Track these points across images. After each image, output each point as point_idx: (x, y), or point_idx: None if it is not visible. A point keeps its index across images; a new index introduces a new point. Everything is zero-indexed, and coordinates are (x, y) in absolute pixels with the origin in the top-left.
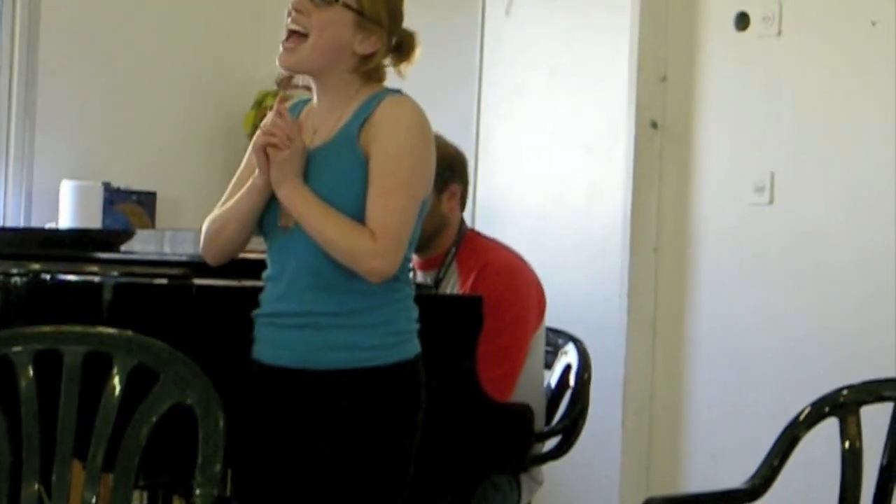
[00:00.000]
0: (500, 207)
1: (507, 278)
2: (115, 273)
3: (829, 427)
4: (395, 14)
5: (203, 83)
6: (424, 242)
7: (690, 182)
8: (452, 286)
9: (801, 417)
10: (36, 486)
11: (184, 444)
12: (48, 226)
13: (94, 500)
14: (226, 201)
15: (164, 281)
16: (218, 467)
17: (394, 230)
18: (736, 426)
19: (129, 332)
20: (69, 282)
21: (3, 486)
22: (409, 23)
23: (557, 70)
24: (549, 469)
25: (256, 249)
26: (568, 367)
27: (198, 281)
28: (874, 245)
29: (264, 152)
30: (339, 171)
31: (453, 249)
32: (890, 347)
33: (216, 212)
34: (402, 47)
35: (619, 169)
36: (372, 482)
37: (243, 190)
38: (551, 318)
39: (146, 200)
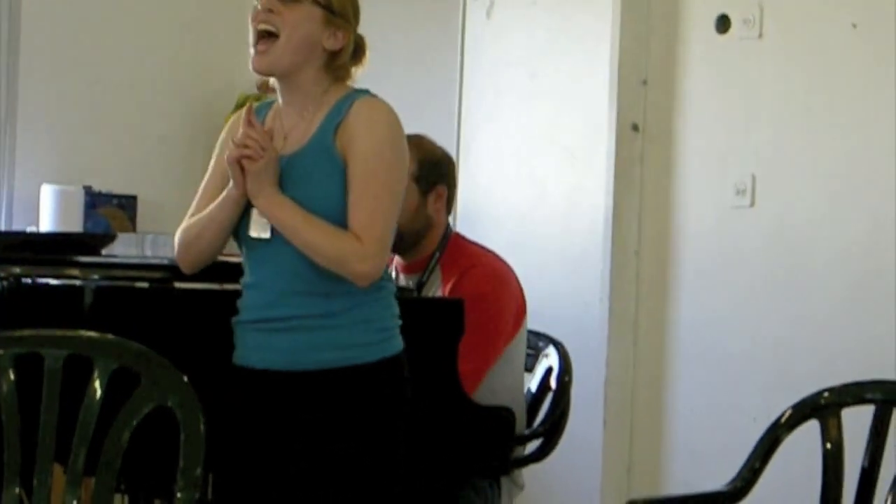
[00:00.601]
0: (482, 210)
1: (487, 283)
2: (95, 276)
3: (811, 429)
4: (357, 11)
5: (183, 86)
6: (409, 244)
7: (671, 185)
8: (435, 290)
9: (783, 419)
10: (17, 490)
11: (165, 448)
12: (29, 229)
13: None
14: (195, 211)
15: (145, 284)
16: (199, 470)
17: (379, 233)
18: (717, 428)
19: (110, 336)
20: (50, 285)
21: None
22: (389, 26)
23: (538, 73)
24: (530, 472)
25: (234, 253)
26: (549, 370)
27: (179, 284)
28: (854, 247)
29: (239, 164)
30: (316, 178)
31: (437, 254)
32: (870, 348)
33: (189, 221)
34: (357, 49)
35: (600, 172)
36: (367, 476)
37: (218, 201)
38: (532, 321)
39: (127, 204)
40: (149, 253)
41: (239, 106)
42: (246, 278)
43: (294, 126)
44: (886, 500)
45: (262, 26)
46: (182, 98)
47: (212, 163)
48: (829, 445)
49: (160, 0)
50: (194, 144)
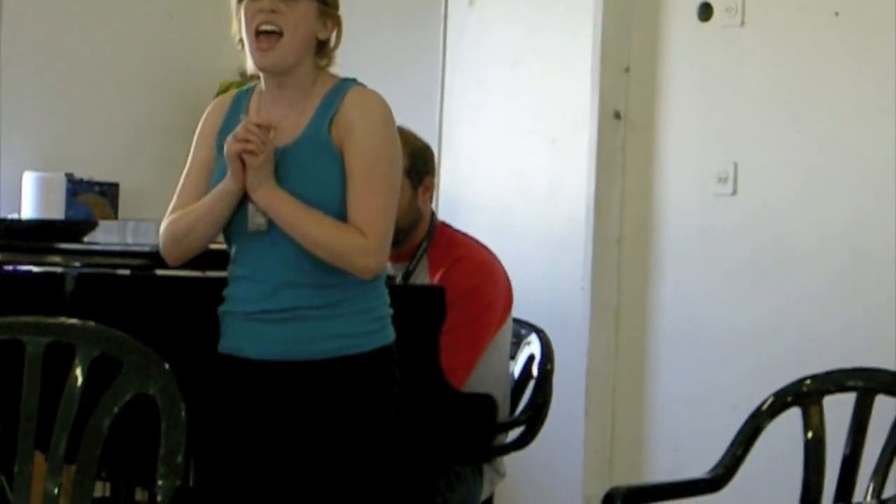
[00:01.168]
0: (463, 198)
1: (476, 275)
2: (77, 264)
3: (792, 417)
4: None
5: (165, 74)
6: (401, 237)
7: (653, 173)
8: (422, 280)
9: (764, 407)
10: None
11: (146, 436)
12: (10, 217)
13: (56, 491)
14: (179, 204)
15: (126, 271)
16: (180, 458)
17: (382, 226)
18: (699, 416)
19: (92, 323)
20: (31, 273)
21: None
22: (372, 14)
23: (520, 61)
24: (511, 460)
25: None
26: (531, 358)
27: (160, 271)
28: (836, 234)
29: (239, 159)
30: (313, 170)
31: (424, 243)
32: (852, 336)
33: (176, 214)
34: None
35: (582, 160)
36: (362, 463)
37: (214, 195)
38: (515, 309)
39: (109, 191)
40: (130, 240)
41: (221, 93)
42: (237, 270)
43: (284, 117)
44: (868, 488)
45: (267, 27)
46: (164, 86)
47: (190, 155)
48: (810, 433)
49: None
50: (176, 132)
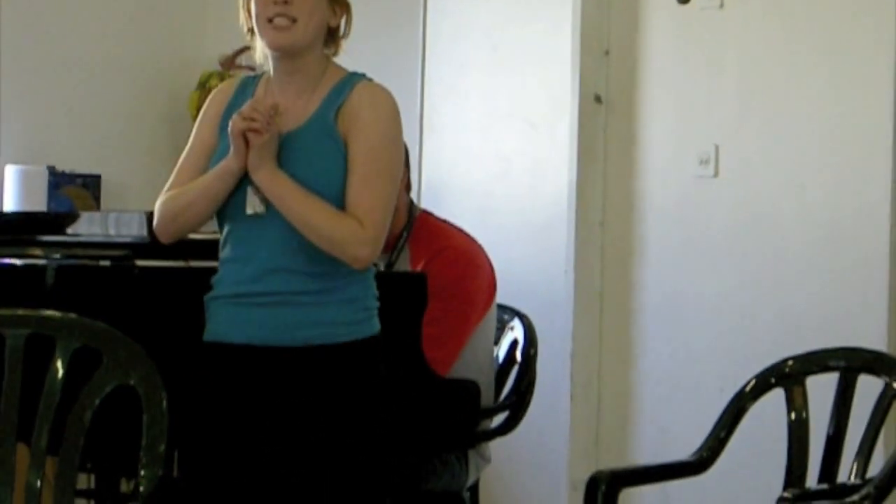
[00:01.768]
0: (446, 183)
1: (459, 266)
2: (57, 256)
3: (776, 398)
4: None
5: (146, 64)
6: None
7: (635, 156)
8: (404, 270)
9: (748, 388)
10: None
11: (129, 426)
12: None
13: (39, 483)
14: (176, 183)
15: (106, 263)
16: (162, 448)
17: (380, 218)
18: (684, 399)
19: (72, 315)
20: (13, 265)
21: None
22: None
23: (500, 46)
24: (497, 445)
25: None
26: (514, 343)
27: (142, 262)
28: (817, 217)
29: (244, 137)
30: (316, 156)
31: (405, 233)
32: (834, 316)
33: (174, 191)
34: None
35: (563, 144)
36: (351, 452)
37: (214, 172)
38: (498, 294)
39: (91, 183)
40: (112, 232)
41: (202, 82)
42: (226, 253)
43: (291, 103)
44: (852, 468)
45: (280, 20)
46: (145, 76)
47: (192, 135)
48: (793, 414)
49: None
50: (158, 123)
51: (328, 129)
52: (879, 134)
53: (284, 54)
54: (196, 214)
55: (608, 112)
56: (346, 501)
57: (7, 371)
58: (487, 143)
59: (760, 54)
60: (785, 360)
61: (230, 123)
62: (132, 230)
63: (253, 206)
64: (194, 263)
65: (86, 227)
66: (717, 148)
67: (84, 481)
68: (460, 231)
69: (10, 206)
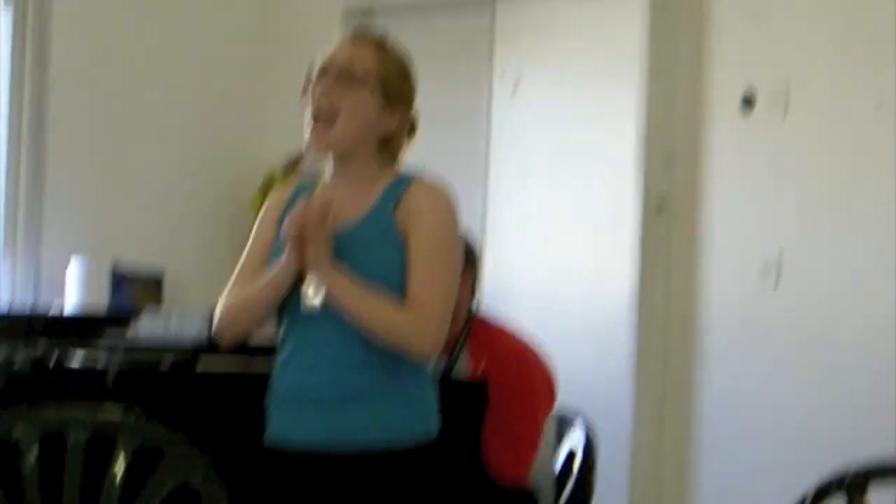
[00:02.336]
0: (508, 285)
1: (516, 366)
2: (119, 358)
3: None
4: (413, 91)
5: (211, 162)
6: None
7: (697, 262)
8: (462, 373)
9: (808, 498)
10: None
11: None
12: (55, 303)
13: None
14: (239, 281)
15: (166, 367)
16: None
17: (441, 311)
18: None
19: (132, 417)
20: (75, 369)
21: None
22: (417, 104)
23: (563, 150)
24: None
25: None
26: (573, 451)
27: (201, 368)
28: (878, 324)
29: (297, 239)
30: (375, 250)
31: (462, 337)
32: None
33: (235, 296)
34: (413, 128)
35: (625, 249)
36: None
37: (272, 275)
38: (559, 398)
39: (154, 278)
40: (174, 330)
41: (266, 182)
42: (285, 351)
43: (347, 199)
44: None
45: (322, 114)
46: (210, 174)
47: (252, 235)
48: None
49: (189, 75)
50: (221, 220)
51: (387, 224)
52: None
53: (334, 156)
54: (260, 316)
55: (670, 219)
56: None
57: (67, 470)
58: (550, 246)
59: (822, 165)
60: (847, 467)
61: (284, 226)
62: (193, 328)
63: (309, 304)
64: (252, 370)
65: (148, 323)
66: (779, 256)
67: None
68: (515, 333)
69: (72, 298)
